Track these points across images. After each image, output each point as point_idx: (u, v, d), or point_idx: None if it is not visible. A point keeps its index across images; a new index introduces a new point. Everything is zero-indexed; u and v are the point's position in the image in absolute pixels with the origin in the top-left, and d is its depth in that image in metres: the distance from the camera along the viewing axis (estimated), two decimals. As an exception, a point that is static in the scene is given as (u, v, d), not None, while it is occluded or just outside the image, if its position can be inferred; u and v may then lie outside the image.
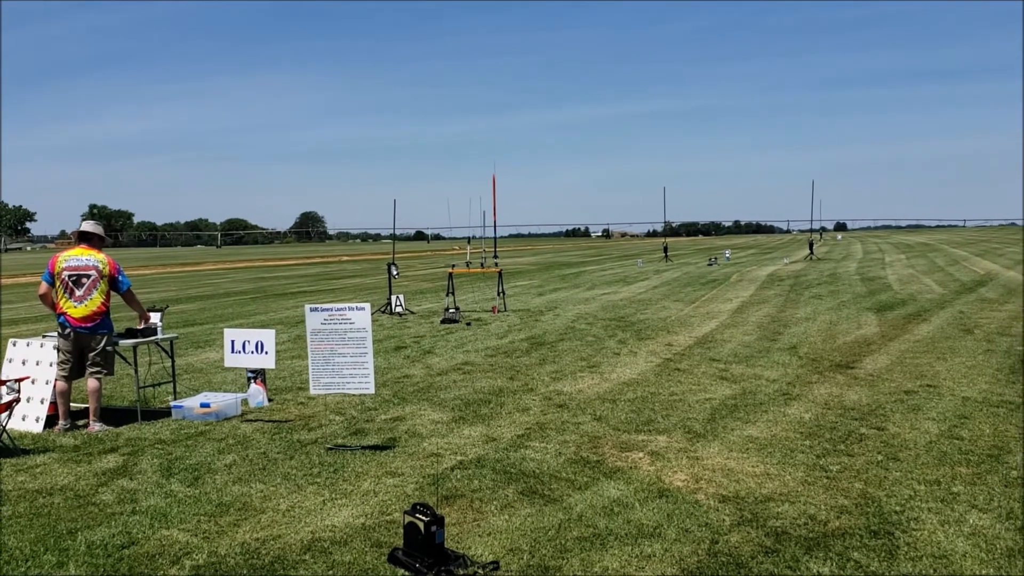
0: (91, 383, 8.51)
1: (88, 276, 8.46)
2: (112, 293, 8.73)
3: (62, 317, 8.44)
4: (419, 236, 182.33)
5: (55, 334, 8.73)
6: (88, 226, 8.82)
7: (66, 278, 8.42)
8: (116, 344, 8.82)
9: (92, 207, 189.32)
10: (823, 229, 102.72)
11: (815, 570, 4.75)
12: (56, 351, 8.61)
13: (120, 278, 8.70)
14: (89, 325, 8.46)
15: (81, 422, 8.64)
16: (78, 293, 8.42)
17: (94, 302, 8.46)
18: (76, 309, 8.41)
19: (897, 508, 5.71)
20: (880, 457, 6.89)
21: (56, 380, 8.54)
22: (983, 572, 4.70)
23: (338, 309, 7.85)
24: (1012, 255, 42.46)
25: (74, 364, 8.54)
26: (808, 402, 8.98)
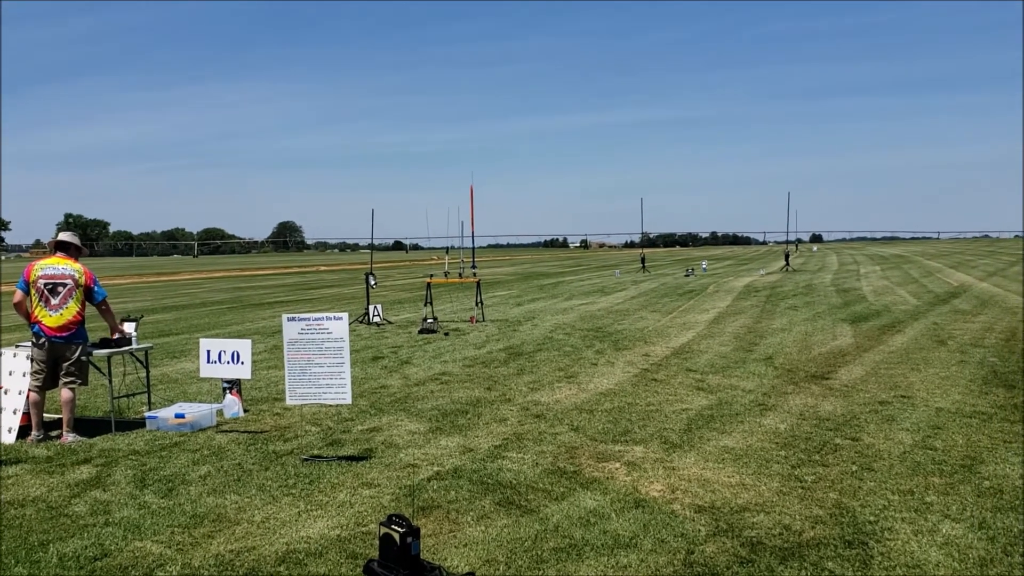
0: (65, 393, 8.43)
1: (64, 285, 8.39)
2: (87, 304, 8.66)
3: (36, 326, 8.37)
4: (398, 246, 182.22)
5: (28, 344, 8.64)
6: (65, 236, 8.76)
7: (42, 287, 8.35)
8: (90, 354, 8.75)
9: (68, 216, 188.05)
10: (799, 240, 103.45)
11: (790, 580, 4.78)
12: (29, 361, 8.53)
13: (96, 288, 8.63)
14: (64, 335, 8.38)
15: (54, 433, 8.55)
16: (53, 302, 8.35)
17: (69, 311, 8.39)
18: (51, 318, 8.33)
19: (871, 518, 5.75)
20: (854, 467, 6.94)
21: (29, 390, 8.46)
22: (955, 581, 4.74)
23: (316, 319, 7.83)
24: (985, 267, 42.93)
25: (47, 374, 8.46)
26: (783, 412, 9.03)
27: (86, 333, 8.64)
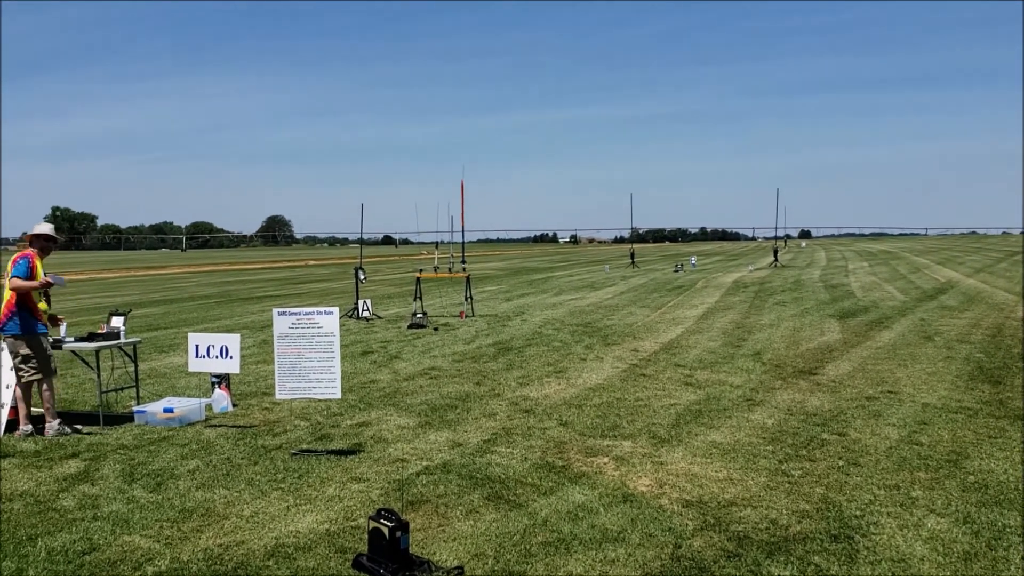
0: (18, 390, 8.32)
1: None
2: (49, 292, 8.49)
3: None
4: (387, 240, 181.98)
5: None
6: (42, 228, 8.61)
7: None
8: (38, 344, 8.33)
9: (55, 209, 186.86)
10: (787, 236, 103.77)
11: (776, 574, 4.81)
12: None
13: (13, 269, 8.18)
14: None
15: (40, 426, 8.51)
16: None
17: None
18: None
19: (857, 513, 5.80)
20: (841, 462, 6.98)
21: (16, 384, 8.41)
22: (940, 575, 4.78)
23: (306, 313, 7.83)
24: (972, 263, 43.13)
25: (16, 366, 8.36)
26: (771, 408, 9.07)
27: (21, 322, 8.23)
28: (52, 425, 8.33)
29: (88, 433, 8.31)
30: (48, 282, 8.25)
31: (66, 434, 8.26)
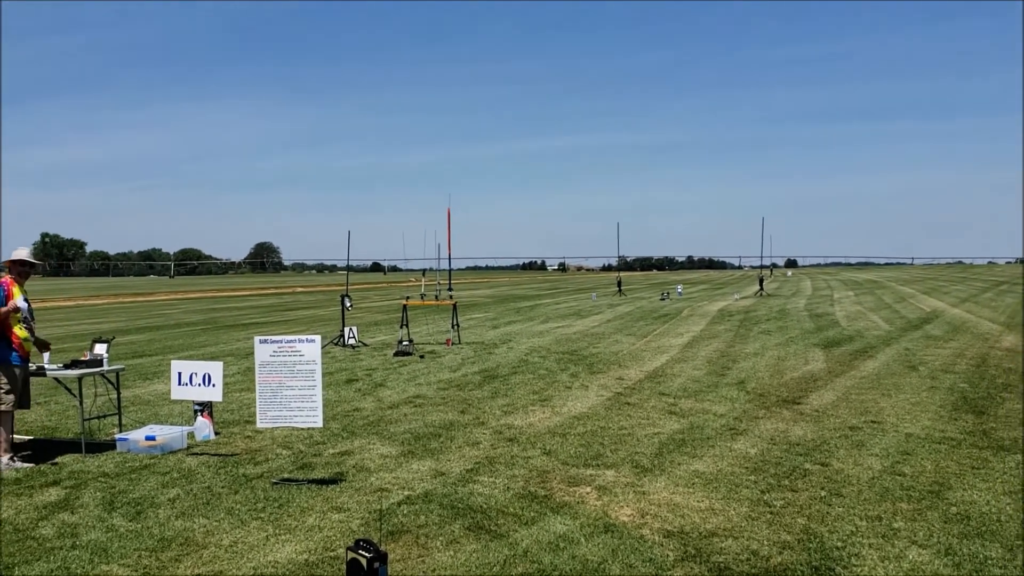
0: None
1: None
2: (28, 321, 8.42)
3: None
4: (376, 267, 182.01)
5: None
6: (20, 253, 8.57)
7: None
8: (12, 375, 8.23)
9: (44, 235, 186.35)
10: (773, 265, 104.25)
11: (756, 605, 4.80)
12: None
13: None
14: None
15: (25, 454, 8.45)
16: None
17: None
18: None
19: (839, 544, 5.80)
20: (823, 493, 6.99)
21: None
22: (919, 607, 4.78)
23: (288, 341, 7.82)
24: (957, 293, 43.38)
25: None
26: (754, 437, 9.08)
27: None
28: (2, 460, 8.14)
29: (29, 465, 8.20)
30: (16, 306, 8.20)
31: (16, 468, 8.07)
